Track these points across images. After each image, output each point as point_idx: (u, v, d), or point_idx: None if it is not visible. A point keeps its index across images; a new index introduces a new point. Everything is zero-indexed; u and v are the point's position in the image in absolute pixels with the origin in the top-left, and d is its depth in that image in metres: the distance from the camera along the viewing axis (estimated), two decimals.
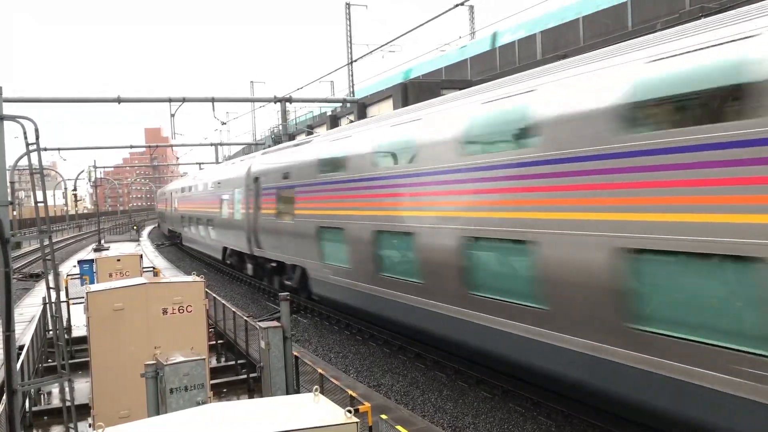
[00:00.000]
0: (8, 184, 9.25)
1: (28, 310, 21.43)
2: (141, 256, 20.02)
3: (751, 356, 6.85)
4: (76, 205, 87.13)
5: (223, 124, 31.24)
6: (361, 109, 31.88)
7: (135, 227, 70.11)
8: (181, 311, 9.61)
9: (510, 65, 27.31)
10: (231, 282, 29.23)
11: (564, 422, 10.27)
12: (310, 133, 35.58)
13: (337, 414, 4.43)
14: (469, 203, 11.08)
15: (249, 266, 25.42)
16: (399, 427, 7.88)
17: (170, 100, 26.53)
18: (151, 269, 23.67)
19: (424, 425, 10.11)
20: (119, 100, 25.69)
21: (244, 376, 13.12)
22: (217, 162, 53.08)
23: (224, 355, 15.64)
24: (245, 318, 13.95)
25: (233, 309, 15.23)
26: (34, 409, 11.52)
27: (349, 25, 44.12)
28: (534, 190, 9.62)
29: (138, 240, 57.65)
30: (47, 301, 14.03)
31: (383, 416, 8.32)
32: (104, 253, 33.06)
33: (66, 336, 13.73)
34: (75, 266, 26.83)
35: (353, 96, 41.78)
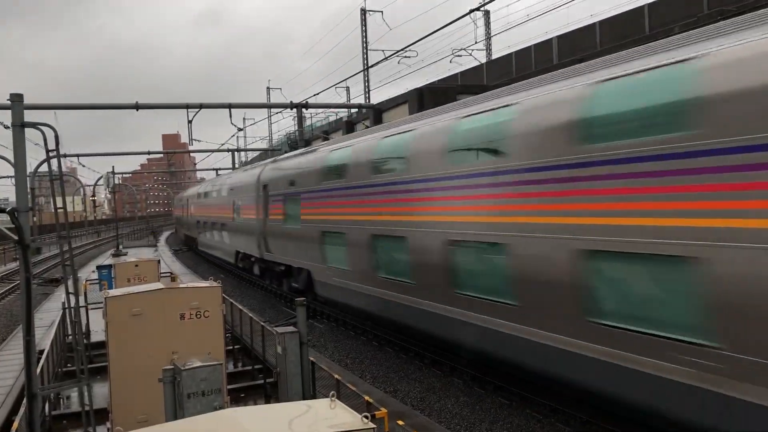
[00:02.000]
0: (29, 190, 9.35)
1: (47, 315, 21.63)
2: (159, 262, 20.16)
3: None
4: (94, 211, 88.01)
5: (240, 130, 31.42)
6: (376, 114, 31.92)
7: (153, 233, 70.65)
8: (198, 316, 9.66)
9: (527, 69, 27.23)
10: (248, 287, 29.34)
11: (582, 429, 10.18)
12: (326, 139, 35.69)
13: (354, 419, 4.42)
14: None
15: (189, 242, 51.47)
16: None
17: (188, 107, 26.70)
18: (169, 274, 23.82)
19: (441, 431, 10.07)
20: (137, 107, 25.90)
21: (261, 382, 13.13)
22: (233, 168, 53.44)
23: (241, 360, 15.67)
24: (262, 323, 13.98)
25: (250, 314, 15.27)
26: (53, 413, 11.61)
27: (365, 31, 44.23)
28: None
29: (155, 245, 58.05)
30: (66, 306, 14.16)
31: (400, 422, 8.30)
32: (122, 259, 33.31)
33: (85, 341, 13.83)
34: (94, 271, 27.05)
35: (369, 101, 41.83)
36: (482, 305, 10.93)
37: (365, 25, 44.06)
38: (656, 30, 20.75)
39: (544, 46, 27.22)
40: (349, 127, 37.14)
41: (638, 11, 22.34)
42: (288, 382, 9.86)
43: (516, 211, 9.90)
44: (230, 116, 28.48)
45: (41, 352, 12.28)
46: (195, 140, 29.87)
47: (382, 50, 38.13)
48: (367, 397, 8.85)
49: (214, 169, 62.91)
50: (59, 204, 10.04)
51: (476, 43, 34.70)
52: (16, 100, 9.24)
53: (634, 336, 7.92)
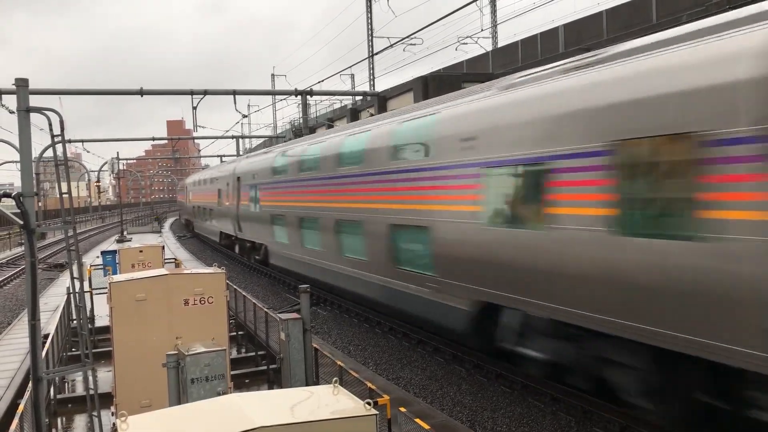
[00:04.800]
0: (34, 175, 9.37)
1: (52, 300, 21.75)
2: (163, 248, 20.20)
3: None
4: (99, 197, 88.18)
5: (245, 116, 31.38)
6: (381, 102, 31.85)
7: (157, 219, 70.78)
8: (202, 302, 9.69)
9: (533, 58, 27.10)
10: (251, 274, 29.42)
11: (583, 418, 10.22)
12: (330, 127, 35.61)
13: (357, 406, 4.45)
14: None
15: (189, 225, 55.60)
16: (418, 420, 7.88)
17: (192, 93, 26.66)
18: (173, 260, 23.89)
19: (443, 419, 10.11)
20: (142, 93, 25.87)
21: (264, 368, 13.21)
22: (237, 155, 53.46)
23: (245, 346, 15.76)
24: (265, 310, 14.04)
25: (254, 301, 15.33)
26: (58, 396, 11.72)
27: (370, 18, 44.02)
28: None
29: (160, 231, 58.18)
30: (71, 291, 14.21)
31: (402, 409, 8.34)
32: (127, 244, 33.42)
33: (89, 326, 13.91)
34: (98, 257, 27.15)
35: (374, 89, 41.70)
36: (353, 262, 16.48)
37: (371, 12, 43.85)
38: (663, 19, 20.60)
39: (550, 34, 27.08)
40: (353, 114, 37.06)
41: (646, 0, 22.18)
42: (291, 368, 9.91)
43: (365, 200, 15.56)
44: (234, 103, 28.41)
45: (46, 336, 12.36)
46: (200, 127, 29.90)
47: (388, 37, 37.99)
48: (369, 384, 8.89)
49: (218, 156, 62.90)
50: (64, 189, 10.07)
51: (482, 30, 34.56)
52: (22, 84, 9.24)
53: (412, 274, 13.50)
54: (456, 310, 11.93)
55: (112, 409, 9.93)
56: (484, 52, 33.64)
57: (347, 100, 43.69)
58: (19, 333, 16.76)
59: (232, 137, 51.72)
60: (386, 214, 14.31)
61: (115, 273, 18.84)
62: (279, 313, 13.77)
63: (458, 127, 11.87)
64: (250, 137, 58.96)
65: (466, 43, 35.92)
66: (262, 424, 4.04)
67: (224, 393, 7.00)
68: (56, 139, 9.62)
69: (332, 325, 18.10)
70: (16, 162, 45.46)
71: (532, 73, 10.67)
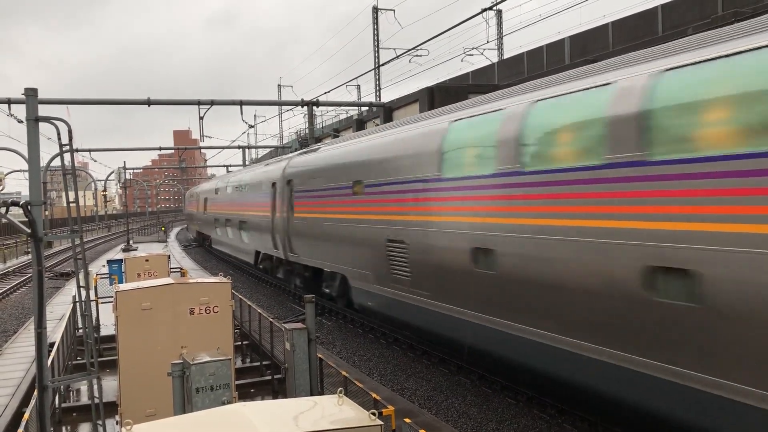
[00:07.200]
0: (41, 184, 9.41)
1: (58, 308, 21.80)
2: (169, 257, 20.24)
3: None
4: (105, 206, 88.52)
5: (251, 127, 31.51)
6: (387, 112, 31.94)
7: (163, 228, 70.97)
8: (207, 311, 9.70)
9: (538, 70, 27.16)
10: (257, 284, 29.45)
11: (589, 431, 10.17)
12: (336, 137, 35.75)
13: (362, 416, 4.44)
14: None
15: (194, 232, 60.98)
16: (423, 431, 7.86)
17: (199, 103, 26.82)
18: (179, 270, 23.93)
19: (448, 430, 10.08)
20: (149, 103, 26.04)
21: (269, 377, 13.20)
22: (244, 165, 53.66)
23: (249, 356, 15.75)
24: (270, 319, 14.04)
25: (259, 310, 15.34)
26: (63, 405, 11.72)
27: (377, 30, 44.23)
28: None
29: (166, 241, 58.31)
30: (77, 299, 14.26)
31: (407, 420, 8.31)
32: (133, 253, 33.47)
33: (95, 334, 13.93)
34: (104, 266, 27.21)
35: (380, 100, 41.84)
36: (233, 239, 32.15)
37: (377, 24, 44.06)
38: (669, 31, 20.64)
39: (556, 46, 27.14)
40: (359, 125, 37.17)
41: (651, 12, 22.22)
42: (296, 378, 9.90)
43: (231, 211, 32.06)
44: (241, 113, 28.55)
45: (52, 344, 12.38)
46: (206, 137, 30.05)
47: (394, 49, 38.14)
48: (374, 395, 8.88)
49: (224, 166, 63.06)
50: (72, 198, 10.12)
51: (488, 42, 34.66)
52: (31, 94, 9.32)
53: (240, 238, 30.23)
54: (249, 252, 27.24)
55: (117, 417, 9.94)
56: (490, 63, 33.73)
57: (353, 111, 43.83)
58: (25, 341, 16.80)
59: (239, 147, 51.92)
60: (235, 216, 30.39)
61: (121, 282, 18.90)
62: (284, 323, 13.77)
63: (249, 181, 28.36)
64: (256, 147, 59.11)
65: (472, 55, 36.07)
66: None
67: (229, 402, 7.00)
68: (64, 149, 9.69)
69: (337, 335, 18.08)
70: (23, 171, 45.68)
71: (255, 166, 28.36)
